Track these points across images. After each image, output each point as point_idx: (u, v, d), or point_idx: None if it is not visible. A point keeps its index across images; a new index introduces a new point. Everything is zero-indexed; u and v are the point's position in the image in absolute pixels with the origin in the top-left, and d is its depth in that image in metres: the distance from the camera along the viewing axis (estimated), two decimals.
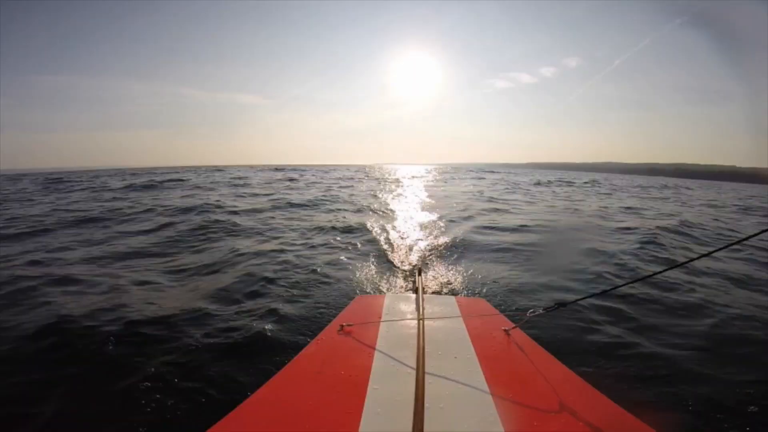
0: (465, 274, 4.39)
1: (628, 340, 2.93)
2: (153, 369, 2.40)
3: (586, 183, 29.20)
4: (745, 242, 1.24)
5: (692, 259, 1.60)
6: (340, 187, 19.27)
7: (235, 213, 9.08)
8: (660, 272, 1.83)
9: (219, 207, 9.93)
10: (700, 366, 2.64)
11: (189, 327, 2.95)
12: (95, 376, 2.37)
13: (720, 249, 1.41)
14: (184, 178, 23.14)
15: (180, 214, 8.85)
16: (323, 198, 13.06)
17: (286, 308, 3.25)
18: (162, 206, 10.02)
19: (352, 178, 28.36)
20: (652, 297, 3.72)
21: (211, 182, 20.96)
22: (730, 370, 2.59)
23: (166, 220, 8.01)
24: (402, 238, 6.36)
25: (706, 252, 1.37)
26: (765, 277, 4.76)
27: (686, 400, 2.29)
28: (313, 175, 31.19)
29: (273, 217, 8.59)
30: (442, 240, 6.17)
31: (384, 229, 6.96)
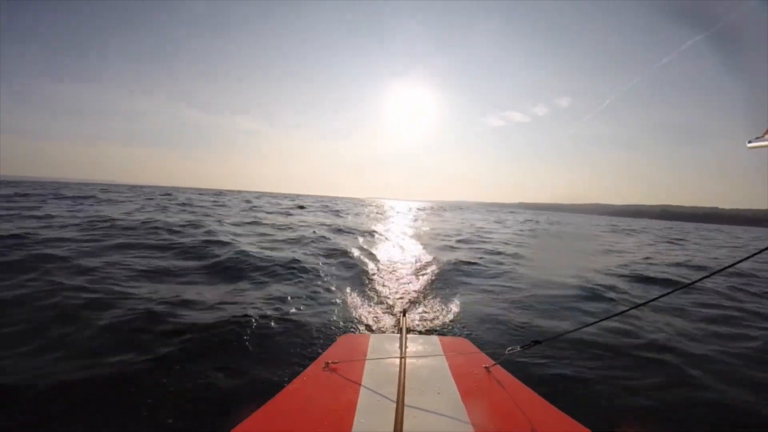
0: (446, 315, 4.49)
1: (602, 373, 3.05)
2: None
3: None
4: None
5: (658, 297, 1.68)
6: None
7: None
8: (626, 310, 1.93)
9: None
10: (676, 398, 2.76)
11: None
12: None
13: (689, 284, 1.51)
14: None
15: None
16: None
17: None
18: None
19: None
20: (624, 331, 3.91)
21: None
22: (708, 398, 2.74)
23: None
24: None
25: (680, 286, 1.46)
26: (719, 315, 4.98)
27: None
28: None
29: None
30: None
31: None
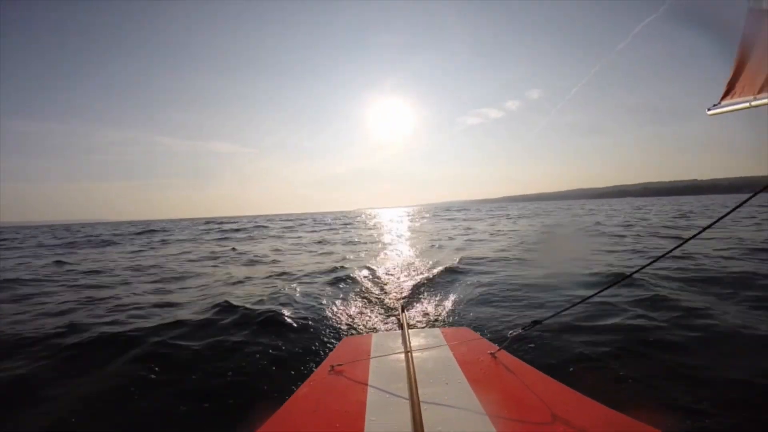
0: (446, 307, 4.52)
1: (608, 345, 3.06)
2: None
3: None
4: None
5: (644, 265, 1.65)
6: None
7: None
8: (619, 281, 1.93)
9: None
10: (691, 361, 2.76)
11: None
12: None
13: (673, 249, 1.49)
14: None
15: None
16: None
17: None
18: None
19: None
20: (620, 299, 4.00)
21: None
22: (719, 366, 2.71)
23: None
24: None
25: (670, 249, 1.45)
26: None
27: (681, 398, 2.36)
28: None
29: None
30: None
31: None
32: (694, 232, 1.38)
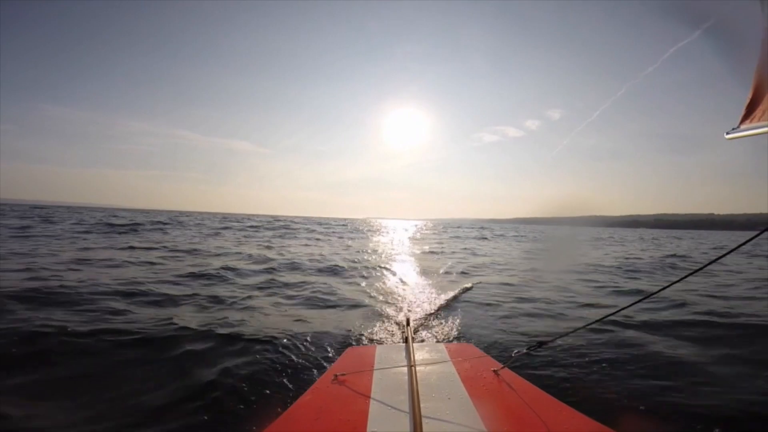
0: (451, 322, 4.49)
1: (607, 370, 3.08)
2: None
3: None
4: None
5: (660, 290, 1.66)
6: None
7: None
8: (629, 305, 1.94)
9: None
10: (697, 388, 2.79)
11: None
12: None
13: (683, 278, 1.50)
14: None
15: None
16: None
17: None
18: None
19: None
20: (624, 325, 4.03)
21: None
22: (713, 389, 2.76)
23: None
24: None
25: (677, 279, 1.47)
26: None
27: (682, 422, 2.39)
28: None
29: None
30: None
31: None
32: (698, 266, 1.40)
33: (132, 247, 11.03)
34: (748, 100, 1.36)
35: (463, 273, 9.08)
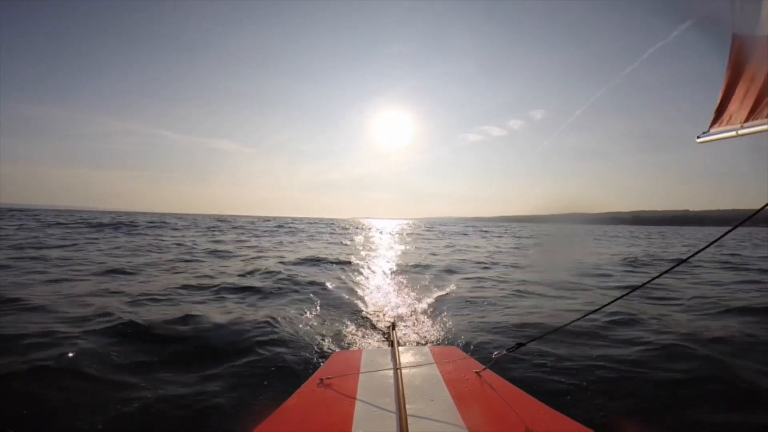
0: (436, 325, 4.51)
1: (588, 368, 3.12)
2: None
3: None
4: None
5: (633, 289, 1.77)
6: None
7: None
8: (608, 303, 1.99)
9: None
10: (677, 388, 2.83)
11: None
12: None
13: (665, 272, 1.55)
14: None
15: None
16: None
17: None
18: None
19: None
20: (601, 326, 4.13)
21: None
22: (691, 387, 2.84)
23: None
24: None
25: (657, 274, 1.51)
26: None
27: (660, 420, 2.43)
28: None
29: None
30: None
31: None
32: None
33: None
34: (716, 105, 1.41)
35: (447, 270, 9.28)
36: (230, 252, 11.98)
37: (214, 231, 23.65)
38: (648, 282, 1.65)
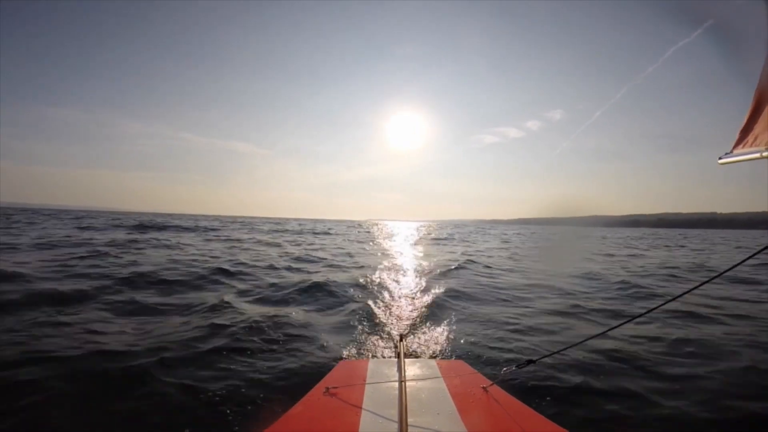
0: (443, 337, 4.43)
1: (596, 387, 3.02)
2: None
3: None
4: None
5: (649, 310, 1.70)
6: None
7: None
8: (617, 326, 1.94)
9: None
10: (688, 407, 2.74)
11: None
12: None
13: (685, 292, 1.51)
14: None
15: None
16: None
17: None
18: None
19: None
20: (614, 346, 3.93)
21: None
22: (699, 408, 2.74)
23: None
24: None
25: (673, 297, 1.45)
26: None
27: None
28: None
29: None
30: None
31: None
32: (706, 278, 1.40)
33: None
34: (742, 126, 1.34)
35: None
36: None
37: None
38: (680, 295, 1.58)
